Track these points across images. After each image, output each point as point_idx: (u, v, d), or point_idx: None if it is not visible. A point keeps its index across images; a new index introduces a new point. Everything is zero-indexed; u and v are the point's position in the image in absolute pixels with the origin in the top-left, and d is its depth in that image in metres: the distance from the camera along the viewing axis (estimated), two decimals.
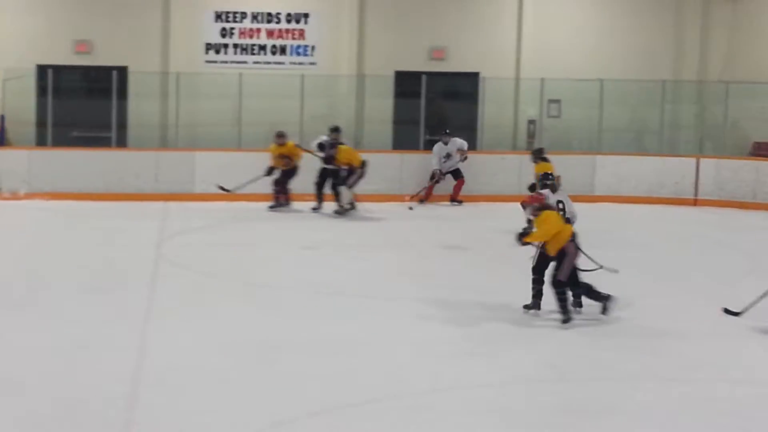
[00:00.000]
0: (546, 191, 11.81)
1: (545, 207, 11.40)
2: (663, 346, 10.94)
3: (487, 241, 16.59)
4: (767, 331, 11.35)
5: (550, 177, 11.99)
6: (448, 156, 19.89)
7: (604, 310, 11.41)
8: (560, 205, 11.70)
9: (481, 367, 10.07)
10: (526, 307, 11.72)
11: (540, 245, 11.51)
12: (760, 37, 23.08)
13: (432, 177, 19.81)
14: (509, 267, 14.81)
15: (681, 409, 9.07)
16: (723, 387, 9.73)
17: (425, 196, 19.79)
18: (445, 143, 19.88)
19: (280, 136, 18.99)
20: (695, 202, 20.47)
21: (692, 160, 20.88)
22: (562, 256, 11.26)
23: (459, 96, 22.71)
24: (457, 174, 20.08)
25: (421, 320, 11.59)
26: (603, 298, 11.39)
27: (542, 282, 11.65)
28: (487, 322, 11.61)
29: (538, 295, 11.71)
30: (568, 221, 11.66)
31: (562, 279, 11.22)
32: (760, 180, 19.86)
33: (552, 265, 11.42)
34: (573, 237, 11.35)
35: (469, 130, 21.92)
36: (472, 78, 22.30)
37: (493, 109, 22.12)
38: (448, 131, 20.05)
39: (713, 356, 10.70)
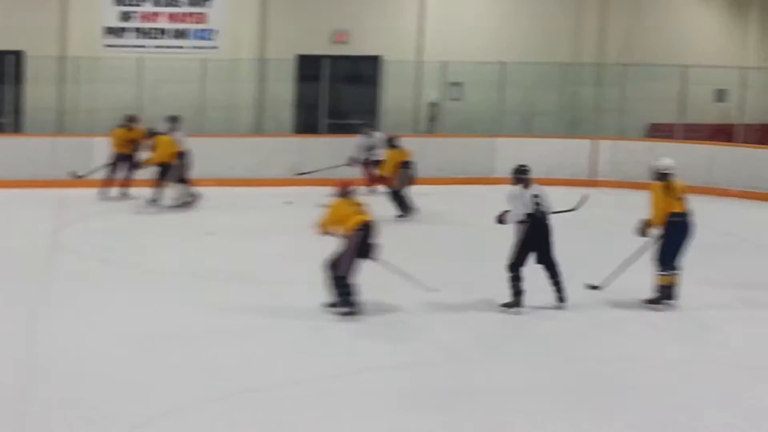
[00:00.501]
0: (518, 186, 11.70)
1: (344, 193, 11.36)
2: (556, 327, 11.13)
3: (386, 224, 16.63)
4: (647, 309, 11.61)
5: (524, 171, 11.75)
6: (371, 148, 18.84)
7: (334, 307, 11.16)
8: (536, 200, 11.58)
9: (375, 350, 10.15)
10: None
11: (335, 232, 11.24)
12: (657, 20, 23.50)
13: (349, 164, 18.89)
14: (409, 249, 14.95)
15: (572, 386, 9.25)
16: (614, 365, 9.94)
17: (369, 182, 18.66)
18: (367, 136, 19.08)
19: (132, 120, 18.36)
20: (593, 183, 20.78)
21: (590, 142, 21.18)
22: (347, 244, 11.06)
23: (361, 79, 22.73)
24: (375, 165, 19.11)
25: (317, 305, 11.61)
26: (345, 304, 11.09)
27: None
28: (383, 306, 11.67)
29: None
30: (543, 215, 11.56)
31: (341, 273, 11.02)
32: (656, 161, 20.16)
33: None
34: (363, 229, 11.18)
35: (370, 113, 21.97)
36: (374, 61, 22.32)
37: (395, 93, 22.18)
38: (370, 124, 19.37)
39: (604, 335, 10.92)
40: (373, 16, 22.58)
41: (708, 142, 20.59)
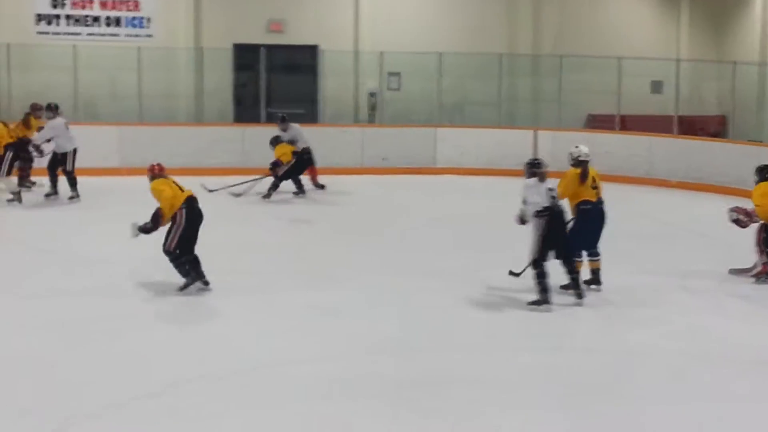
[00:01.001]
0: (534, 180, 11.42)
1: (156, 176, 11.53)
2: (503, 317, 11.14)
3: (330, 214, 16.60)
4: (593, 304, 11.69)
5: (539, 164, 11.46)
6: (292, 143, 17.92)
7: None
8: (552, 193, 11.30)
9: (322, 339, 10.09)
10: None
11: None
12: (591, 11, 23.69)
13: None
14: (353, 237, 14.91)
15: (520, 377, 9.27)
16: (561, 355, 9.98)
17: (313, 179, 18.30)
18: (284, 130, 18.00)
19: (38, 109, 17.65)
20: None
21: (529, 132, 21.28)
22: (173, 221, 11.33)
23: (299, 69, 22.60)
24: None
25: (262, 294, 11.53)
26: (185, 275, 11.38)
27: None
28: (329, 295, 11.62)
29: None
30: (560, 208, 11.33)
31: (169, 248, 11.28)
32: (594, 151, 20.24)
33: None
34: (188, 204, 11.42)
35: (309, 102, 21.86)
36: (312, 51, 22.21)
37: (333, 82, 22.09)
38: (284, 117, 18.28)
39: (553, 325, 10.96)
40: (309, 5, 22.47)
41: (646, 133, 20.78)
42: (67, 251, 13.45)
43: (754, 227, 12.90)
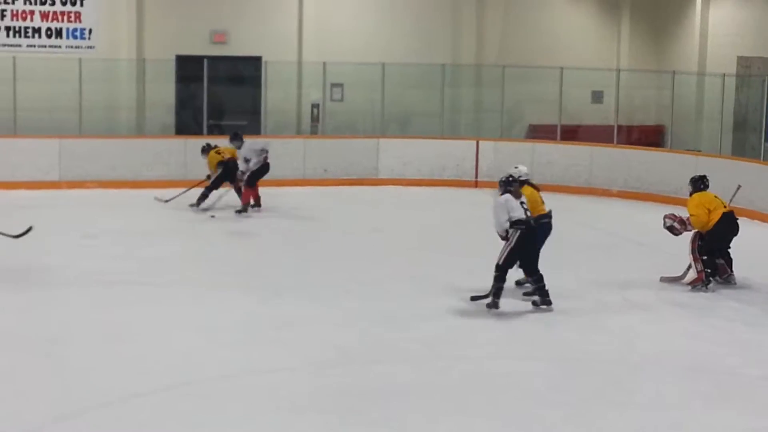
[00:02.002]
0: (507, 196, 11.71)
1: None
2: (449, 326, 11.21)
3: (273, 226, 16.58)
4: (535, 312, 11.78)
5: (514, 182, 11.83)
6: (246, 161, 17.40)
7: None
8: (526, 207, 11.71)
9: (268, 352, 10.10)
10: None
11: None
12: (534, 22, 23.85)
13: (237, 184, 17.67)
14: (296, 249, 14.92)
15: (459, 385, 9.34)
16: (503, 363, 10.06)
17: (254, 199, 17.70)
18: (238, 147, 17.53)
19: None
20: (476, 184, 20.98)
21: (472, 143, 21.38)
22: None
23: (242, 80, 22.53)
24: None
25: (207, 307, 11.51)
26: None
27: None
28: (273, 308, 11.63)
29: None
30: (534, 222, 11.70)
31: None
32: (536, 161, 20.49)
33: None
34: None
35: (252, 114, 21.81)
36: (255, 62, 22.16)
37: (276, 94, 22.03)
38: (237, 132, 17.88)
39: (496, 333, 11.04)
40: (252, 16, 22.41)
41: (587, 143, 20.96)
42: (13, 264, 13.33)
43: (687, 235, 13.09)
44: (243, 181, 17.29)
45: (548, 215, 12.49)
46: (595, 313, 11.92)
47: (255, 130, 21.37)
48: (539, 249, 11.99)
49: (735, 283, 12.98)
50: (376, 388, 9.18)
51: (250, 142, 17.60)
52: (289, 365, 9.72)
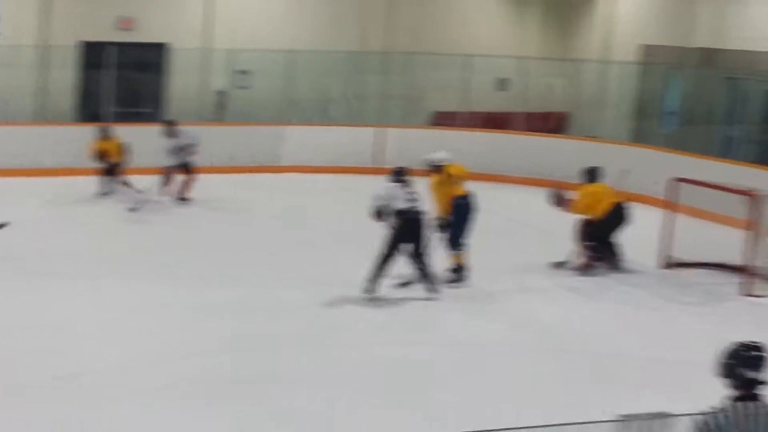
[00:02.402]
0: (395, 184, 11.91)
1: None
2: (335, 313, 11.28)
3: (176, 214, 16.48)
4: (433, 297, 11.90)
5: (404, 172, 12.13)
6: (180, 149, 17.12)
7: None
8: (411, 198, 11.84)
9: (159, 342, 10.08)
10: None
11: None
12: (441, 10, 23.96)
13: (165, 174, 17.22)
14: (191, 239, 14.87)
15: (354, 373, 9.42)
16: (394, 349, 10.14)
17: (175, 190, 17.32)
18: (172, 135, 17.03)
19: None
20: (380, 171, 21.00)
21: (377, 130, 21.45)
22: None
23: (148, 67, 22.32)
24: (188, 170, 17.39)
25: (103, 298, 11.46)
26: None
27: None
28: (160, 296, 11.60)
29: None
30: (417, 213, 11.80)
31: None
32: (441, 148, 20.59)
33: None
34: None
35: (157, 101, 21.65)
36: (161, 49, 21.98)
37: (182, 80, 21.87)
38: (172, 121, 17.49)
39: (382, 322, 11.14)
40: (159, 3, 22.21)
41: (490, 129, 21.15)
42: None
43: (574, 221, 13.35)
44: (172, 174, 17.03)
45: (465, 197, 12.65)
46: (490, 298, 12.10)
47: (160, 117, 21.20)
48: (463, 228, 12.36)
49: (622, 267, 13.24)
50: (259, 375, 9.23)
51: (188, 134, 17.29)
52: (179, 354, 9.71)
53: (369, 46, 23.43)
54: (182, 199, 17.14)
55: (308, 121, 21.73)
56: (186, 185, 17.19)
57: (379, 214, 11.77)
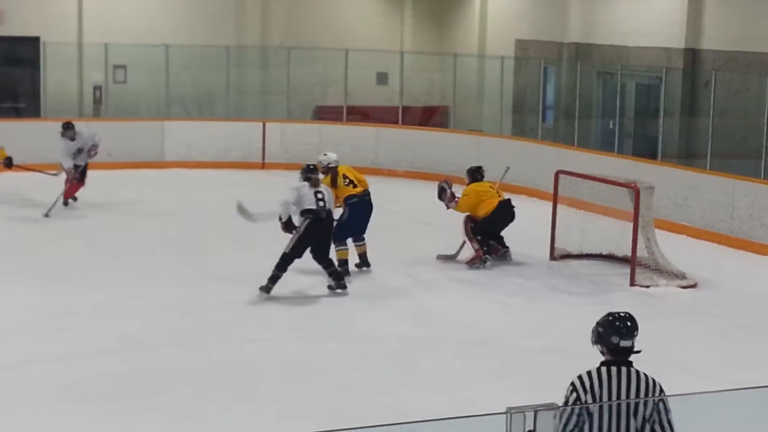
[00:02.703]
0: (305, 183, 11.76)
1: None
2: (231, 310, 11.21)
3: (55, 213, 16.11)
4: (327, 294, 11.91)
5: (313, 170, 11.96)
6: (79, 151, 16.34)
7: None
8: (320, 198, 11.68)
9: (49, 341, 9.91)
10: None
11: None
12: (318, 4, 23.93)
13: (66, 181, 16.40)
14: (78, 238, 14.59)
15: (245, 369, 9.39)
16: (294, 346, 10.13)
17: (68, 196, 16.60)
18: (72, 138, 16.28)
19: None
20: (263, 166, 20.95)
21: (258, 124, 21.33)
22: None
23: (19, 61, 21.78)
24: (83, 173, 16.56)
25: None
26: None
27: None
28: (55, 297, 11.39)
29: None
30: (326, 214, 11.69)
31: None
32: (323, 143, 20.55)
33: None
34: None
35: (32, 96, 21.15)
36: (33, 43, 21.44)
37: (56, 75, 21.38)
38: (70, 123, 16.66)
39: (281, 319, 11.10)
40: None
41: (373, 124, 21.22)
42: None
43: (460, 216, 13.47)
44: (75, 178, 16.29)
45: (358, 195, 12.80)
46: (383, 292, 12.15)
47: (34, 113, 20.73)
48: (363, 224, 12.72)
49: (511, 259, 13.45)
50: (158, 374, 9.13)
51: (84, 136, 16.51)
52: (71, 353, 9.55)
53: (246, 41, 23.28)
54: (69, 201, 16.56)
55: (189, 116, 21.48)
56: (75, 187, 16.54)
57: (288, 225, 11.66)
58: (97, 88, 21.85)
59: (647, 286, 12.60)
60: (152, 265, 12.99)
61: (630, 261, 12.86)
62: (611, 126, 19.53)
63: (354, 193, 12.80)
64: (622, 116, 19.56)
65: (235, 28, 23.29)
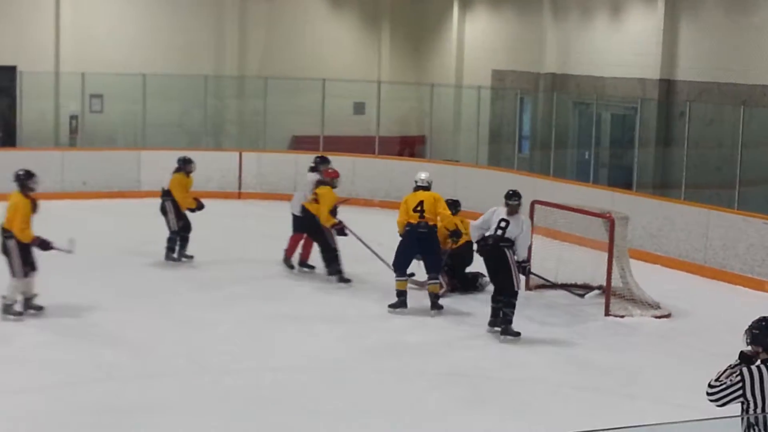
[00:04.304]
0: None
1: None
2: (208, 338, 11.18)
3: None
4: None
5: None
6: None
7: None
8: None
9: (23, 371, 9.85)
10: None
11: None
12: (295, 34, 24.00)
13: None
14: (53, 266, 14.50)
15: (226, 399, 9.37)
16: (268, 375, 10.12)
17: None
18: None
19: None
20: (239, 195, 20.94)
21: (235, 154, 21.34)
22: None
23: None
24: None
25: None
26: None
27: None
28: (30, 327, 11.31)
29: None
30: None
31: None
32: (300, 172, 20.58)
33: None
34: None
35: (8, 126, 21.10)
36: (9, 72, 21.42)
37: (33, 105, 21.34)
38: None
39: (260, 347, 11.08)
40: (6, 24, 21.68)
41: (349, 153, 21.23)
42: None
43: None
44: None
45: (411, 224, 12.62)
46: (356, 322, 12.12)
47: (10, 142, 20.69)
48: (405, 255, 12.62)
49: (485, 288, 13.35)
50: (134, 404, 9.12)
51: None
52: (47, 383, 9.49)
53: (224, 71, 23.32)
54: None
55: (166, 146, 21.42)
56: None
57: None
58: (73, 117, 21.80)
59: (622, 316, 12.63)
60: (127, 294, 12.93)
61: (605, 291, 12.89)
62: (587, 156, 19.64)
63: (410, 221, 12.61)
64: (598, 146, 19.66)
65: (212, 58, 23.34)
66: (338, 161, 20.84)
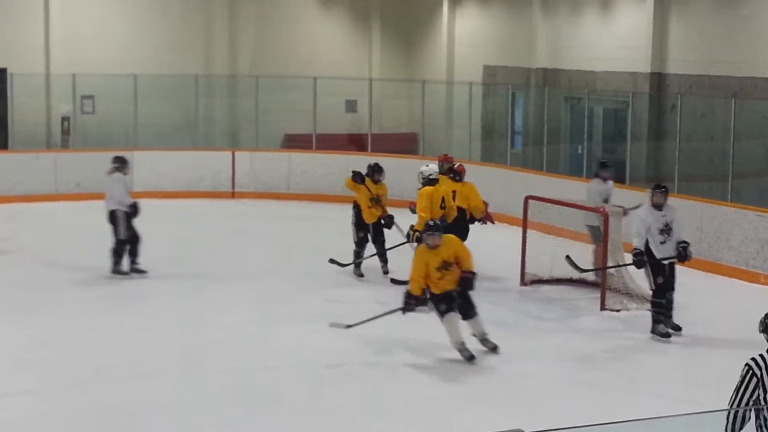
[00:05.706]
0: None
1: None
2: (202, 340, 11.19)
3: (24, 243, 16.03)
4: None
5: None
6: None
7: None
8: None
9: (19, 373, 9.84)
10: None
11: None
12: (286, 33, 23.99)
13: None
14: (47, 268, 14.50)
15: (222, 398, 9.37)
16: (263, 374, 10.12)
17: None
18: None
19: None
20: (233, 195, 20.92)
21: (228, 153, 21.32)
22: None
23: None
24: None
25: None
26: None
27: None
28: (26, 328, 11.32)
29: None
30: None
31: None
32: (293, 170, 20.66)
33: None
34: None
35: (0, 128, 21.07)
36: (0, 74, 21.37)
37: (24, 106, 21.30)
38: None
39: (255, 346, 11.09)
40: None
41: (342, 151, 21.23)
42: None
43: None
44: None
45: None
46: (353, 319, 12.09)
47: (2, 144, 20.66)
48: None
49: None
50: (129, 406, 9.11)
51: None
52: (43, 386, 9.47)
53: (214, 70, 23.31)
54: None
55: (158, 146, 21.42)
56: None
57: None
58: (65, 118, 21.77)
59: (618, 310, 12.65)
60: (123, 295, 12.93)
61: (600, 285, 12.91)
62: (579, 151, 19.65)
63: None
64: (590, 141, 19.66)
65: (203, 57, 23.32)
66: (331, 159, 21.00)
